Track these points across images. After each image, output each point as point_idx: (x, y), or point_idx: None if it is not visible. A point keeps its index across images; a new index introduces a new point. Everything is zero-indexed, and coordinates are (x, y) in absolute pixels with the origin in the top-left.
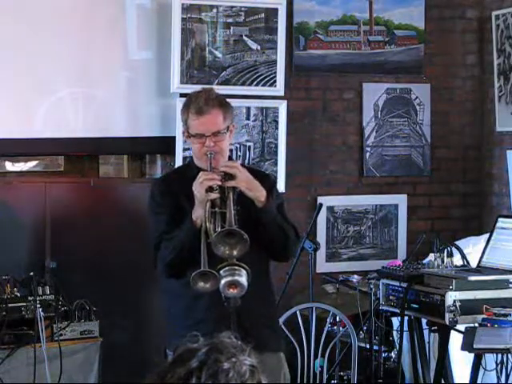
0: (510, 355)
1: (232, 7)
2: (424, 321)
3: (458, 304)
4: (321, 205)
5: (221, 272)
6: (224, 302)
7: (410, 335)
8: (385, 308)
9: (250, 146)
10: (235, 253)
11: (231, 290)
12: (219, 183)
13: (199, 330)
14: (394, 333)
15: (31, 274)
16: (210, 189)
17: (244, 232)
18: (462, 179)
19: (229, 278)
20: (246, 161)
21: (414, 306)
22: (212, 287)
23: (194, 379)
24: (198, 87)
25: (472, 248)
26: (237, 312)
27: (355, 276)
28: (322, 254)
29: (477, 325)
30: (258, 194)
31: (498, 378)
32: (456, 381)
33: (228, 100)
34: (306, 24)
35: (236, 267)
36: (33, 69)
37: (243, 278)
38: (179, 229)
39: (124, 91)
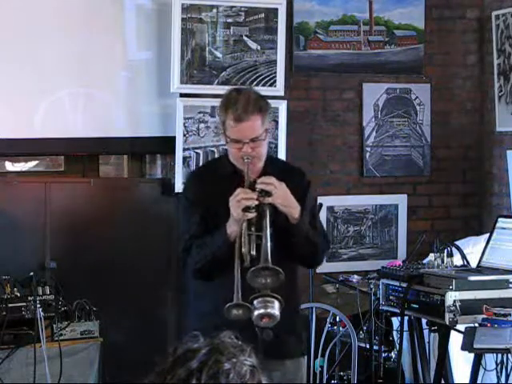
0: (510, 355)
1: (232, 7)
2: (424, 321)
3: (458, 304)
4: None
5: (254, 302)
6: (256, 330)
7: (410, 335)
8: (385, 308)
9: None
10: (269, 282)
11: (264, 321)
12: (256, 203)
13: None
14: (394, 333)
15: (31, 273)
16: (246, 208)
17: (278, 267)
18: (462, 179)
19: (262, 311)
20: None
21: (414, 306)
22: (245, 316)
23: (194, 380)
24: (197, 87)
25: (472, 248)
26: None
27: (355, 276)
28: None
29: (477, 325)
30: (293, 210)
31: (498, 377)
32: (456, 381)
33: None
34: (305, 24)
35: (269, 298)
36: (33, 69)
37: (275, 310)
38: (211, 237)
39: (124, 91)
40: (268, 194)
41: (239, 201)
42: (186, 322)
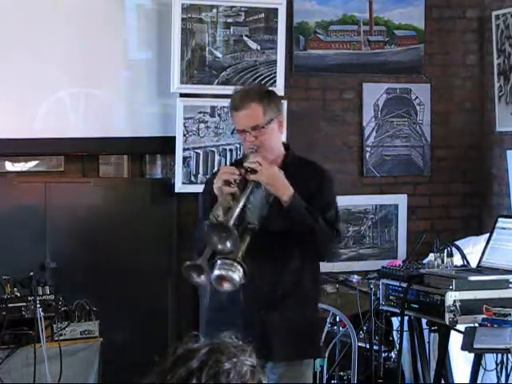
0: (510, 355)
1: (232, 7)
2: (424, 321)
3: (458, 304)
4: None
5: (216, 263)
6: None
7: (410, 335)
8: (385, 308)
9: None
10: (226, 247)
11: (223, 284)
12: (237, 177)
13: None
14: (394, 333)
15: (31, 273)
16: (227, 182)
17: (233, 228)
18: (462, 179)
19: (221, 272)
20: None
21: (414, 306)
22: (203, 281)
23: (194, 379)
24: (197, 87)
25: (472, 248)
26: (265, 318)
27: (355, 276)
28: None
29: (477, 325)
30: (280, 192)
31: (498, 377)
32: (456, 381)
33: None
34: (305, 24)
35: (233, 262)
36: (33, 69)
37: (235, 275)
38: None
39: (124, 91)
40: (253, 171)
41: (220, 175)
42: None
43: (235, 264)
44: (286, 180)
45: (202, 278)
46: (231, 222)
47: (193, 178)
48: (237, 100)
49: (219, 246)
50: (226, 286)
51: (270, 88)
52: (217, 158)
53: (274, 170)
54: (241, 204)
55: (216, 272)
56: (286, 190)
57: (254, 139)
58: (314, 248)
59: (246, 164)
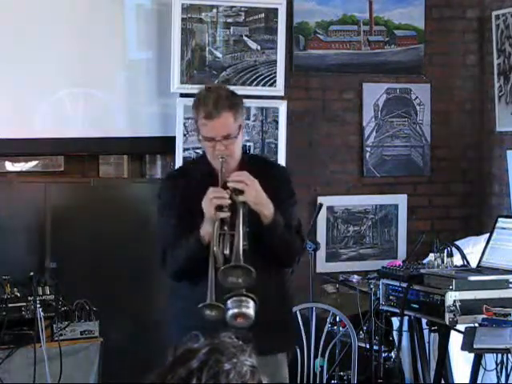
0: (510, 355)
1: (232, 7)
2: (424, 321)
3: (458, 304)
4: (321, 205)
5: (228, 302)
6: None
7: (410, 335)
8: (385, 308)
9: (249, 146)
10: (241, 282)
11: (238, 320)
12: (229, 202)
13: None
14: (394, 333)
15: (31, 273)
16: (219, 207)
17: (250, 266)
18: (462, 179)
19: (236, 310)
20: None
21: (414, 306)
22: (218, 316)
23: (194, 380)
24: (197, 87)
25: (472, 248)
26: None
27: (355, 276)
28: (321, 254)
29: (477, 325)
30: (266, 211)
31: (498, 377)
32: (456, 381)
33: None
34: (305, 24)
35: (243, 298)
36: (33, 69)
37: (250, 310)
38: (186, 240)
39: (124, 91)
40: (240, 192)
41: (211, 200)
42: (167, 321)
43: (243, 298)
44: (265, 194)
45: (214, 313)
46: (242, 259)
47: None
48: (211, 108)
49: (235, 284)
50: (241, 322)
51: (269, 88)
52: None
53: (257, 186)
54: (241, 233)
55: (231, 311)
56: (268, 205)
57: (224, 149)
58: (281, 259)
59: (230, 184)
